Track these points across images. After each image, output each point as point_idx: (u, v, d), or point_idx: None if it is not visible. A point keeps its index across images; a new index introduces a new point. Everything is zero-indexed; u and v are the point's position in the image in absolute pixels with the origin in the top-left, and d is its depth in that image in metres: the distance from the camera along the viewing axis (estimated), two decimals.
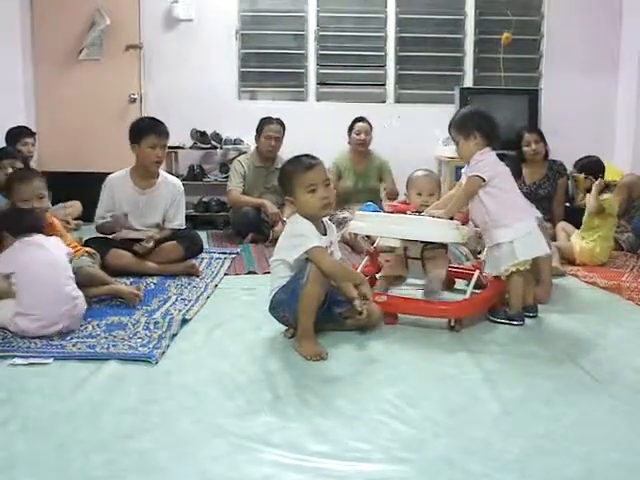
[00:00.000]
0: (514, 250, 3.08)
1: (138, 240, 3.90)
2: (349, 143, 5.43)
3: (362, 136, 5.33)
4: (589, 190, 4.43)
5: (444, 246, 3.29)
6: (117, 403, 2.21)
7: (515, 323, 3.12)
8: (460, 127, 3.16)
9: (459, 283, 3.70)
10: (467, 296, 3.19)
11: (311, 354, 2.64)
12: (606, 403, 2.26)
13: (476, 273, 3.26)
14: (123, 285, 3.48)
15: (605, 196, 4.41)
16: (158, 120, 4.09)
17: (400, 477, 1.79)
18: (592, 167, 4.54)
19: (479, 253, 3.35)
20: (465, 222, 3.19)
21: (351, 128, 5.39)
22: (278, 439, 1.98)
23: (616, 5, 6.17)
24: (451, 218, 3.12)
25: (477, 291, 3.29)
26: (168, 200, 4.07)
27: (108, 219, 3.97)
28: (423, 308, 3.13)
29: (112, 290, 3.35)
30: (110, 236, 3.97)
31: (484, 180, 3.08)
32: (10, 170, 3.90)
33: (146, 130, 3.98)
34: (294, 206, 2.86)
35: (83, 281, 3.22)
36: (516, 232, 3.09)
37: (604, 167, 4.61)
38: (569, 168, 4.89)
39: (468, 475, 1.80)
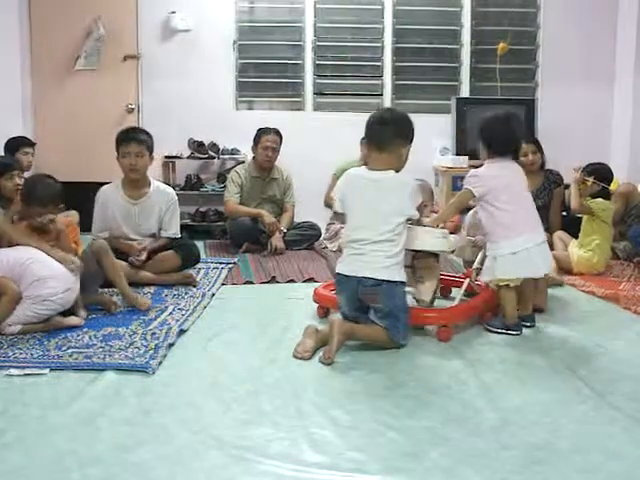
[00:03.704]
0: (494, 267, 3.11)
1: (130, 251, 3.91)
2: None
3: None
4: (594, 196, 4.43)
5: (435, 255, 3.30)
6: (114, 414, 2.20)
7: (512, 333, 3.12)
8: (478, 133, 3.18)
9: (456, 291, 3.70)
10: (456, 303, 3.20)
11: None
12: (604, 413, 2.26)
13: (466, 281, 3.29)
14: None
15: (598, 200, 4.41)
16: (134, 128, 4.10)
17: None
18: (603, 173, 4.51)
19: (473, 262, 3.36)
20: (454, 231, 3.21)
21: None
22: (275, 450, 1.97)
23: (612, 16, 6.20)
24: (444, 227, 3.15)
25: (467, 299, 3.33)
26: (162, 209, 4.07)
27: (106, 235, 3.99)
28: (411, 315, 3.09)
29: (130, 298, 3.40)
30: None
31: (474, 195, 3.10)
32: (18, 180, 3.89)
33: (118, 140, 4.01)
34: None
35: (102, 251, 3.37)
36: (499, 250, 3.10)
37: (612, 177, 4.60)
38: (565, 178, 4.89)
39: None
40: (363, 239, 2.88)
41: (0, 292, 2.90)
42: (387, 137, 2.91)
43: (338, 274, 2.98)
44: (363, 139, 5.28)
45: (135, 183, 4.03)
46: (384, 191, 2.89)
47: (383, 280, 2.83)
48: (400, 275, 2.89)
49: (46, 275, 2.98)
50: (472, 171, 3.20)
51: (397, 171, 2.93)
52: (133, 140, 3.98)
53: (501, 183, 3.14)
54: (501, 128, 3.18)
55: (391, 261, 2.85)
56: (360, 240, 2.89)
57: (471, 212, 3.57)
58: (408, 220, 2.92)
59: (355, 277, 2.88)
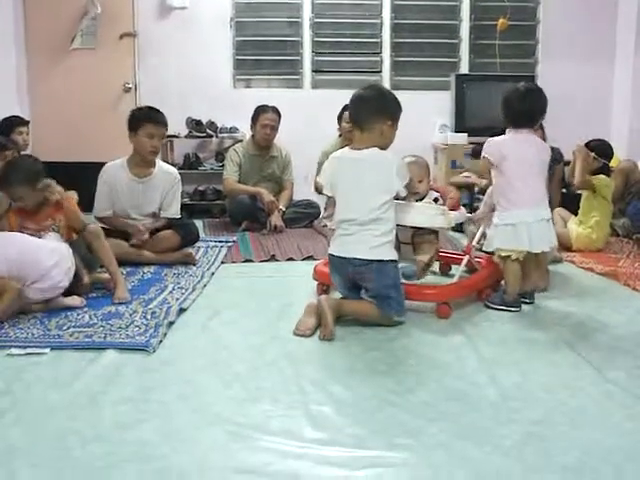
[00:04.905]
0: (493, 237, 3.15)
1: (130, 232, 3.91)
2: (339, 130, 5.33)
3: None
4: (595, 172, 4.43)
5: (434, 232, 3.30)
6: (115, 393, 2.21)
7: (512, 309, 3.13)
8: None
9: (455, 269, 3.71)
10: (455, 279, 3.22)
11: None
12: (603, 389, 2.27)
13: (465, 257, 3.30)
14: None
15: (600, 176, 4.41)
16: (157, 109, 4.08)
17: (398, 463, 1.79)
18: (604, 150, 4.53)
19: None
20: (455, 208, 3.21)
21: (340, 116, 5.29)
22: (276, 427, 1.98)
23: None
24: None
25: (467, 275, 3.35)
26: (165, 189, 4.07)
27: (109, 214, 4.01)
28: (410, 292, 3.07)
29: (115, 283, 3.28)
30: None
31: (492, 163, 3.16)
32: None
33: (144, 119, 3.97)
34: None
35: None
36: (500, 219, 3.13)
37: (613, 153, 4.62)
38: (566, 155, 4.88)
39: (465, 461, 1.80)
40: (350, 219, 2.87)
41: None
42: (365, 114, 2.87)
43: (330, 255, 2.98)
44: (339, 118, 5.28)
45: (145, 163, 4.02)
46: (366, 169, 2.85)
47: (372, 260, 2.82)
48: (390, 253, 2.87)
49: (49, 266, 2.94)
50: (488, 140, 3.24)
51: (383, 150, 2.89)
52: (161, 123, 4.00)
53: (513, 153, 3.13)
54: (516, 101, 3.17)
55: (380, 240, 2.83)
56: (348, 220, 2.88)
57: (488, 191, 3.56)
58: (397, 198, 2.89)
59: (345, 258, 2.88)
